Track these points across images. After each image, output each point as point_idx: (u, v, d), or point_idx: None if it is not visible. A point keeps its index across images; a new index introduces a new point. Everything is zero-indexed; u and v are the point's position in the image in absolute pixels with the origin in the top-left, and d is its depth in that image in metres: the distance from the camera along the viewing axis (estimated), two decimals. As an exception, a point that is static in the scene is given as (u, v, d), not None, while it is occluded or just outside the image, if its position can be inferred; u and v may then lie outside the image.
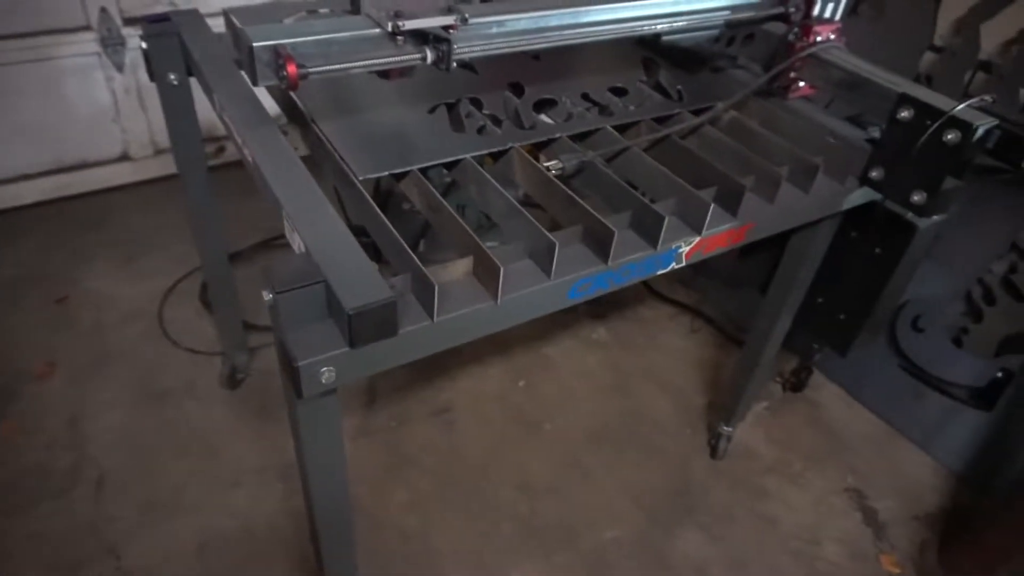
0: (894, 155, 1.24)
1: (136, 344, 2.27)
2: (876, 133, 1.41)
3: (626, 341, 2.51)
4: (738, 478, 2.08)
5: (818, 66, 1.39)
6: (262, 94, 1.22)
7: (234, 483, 1.90)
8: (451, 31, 1.07)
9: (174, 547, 1.74)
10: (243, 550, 1.76)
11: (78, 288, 2.45)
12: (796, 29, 1.40)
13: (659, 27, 1.32)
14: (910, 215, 1.32)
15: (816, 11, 1.41)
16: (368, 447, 2.04)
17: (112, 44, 2.65)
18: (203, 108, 1.48)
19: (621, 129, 1.36)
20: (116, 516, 1.79)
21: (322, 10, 1.44)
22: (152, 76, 1.45)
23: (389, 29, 1.05)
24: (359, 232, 1.01)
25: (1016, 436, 1.96)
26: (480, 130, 1.30)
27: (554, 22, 1.20)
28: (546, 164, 1.20)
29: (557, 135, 1.30)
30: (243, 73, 1.21)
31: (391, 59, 1.07)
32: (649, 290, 2.71)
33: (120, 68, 2.71)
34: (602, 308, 2.60)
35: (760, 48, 1.50)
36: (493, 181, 1.14)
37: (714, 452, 2.12)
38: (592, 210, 1.07)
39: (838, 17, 1.43)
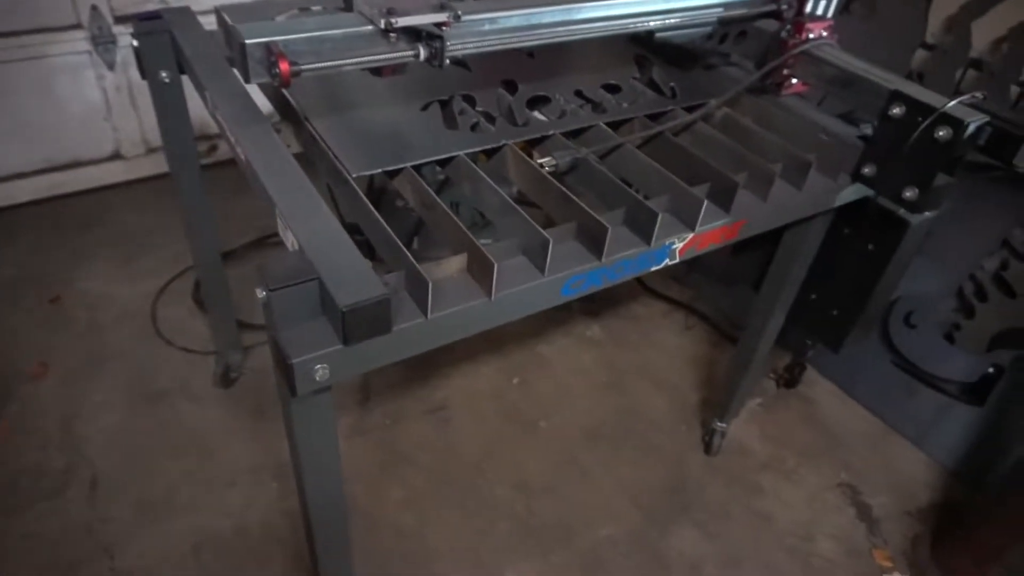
0: (886, 152, 1.25)
1: (130, 344, 2.26)
2: (868, 130, 1.42)
3: (620, 338, 2.51)
4: (733, 475, 2.09)
5: (811, 63, 1.40)
6: (254, 92, 1.22)
7: (229, 482, 1.90)
8: (444, 28, 1.07)
9: (169, 547, 1.74)
10: (238, 550, 1.75)
11: (71, 288, 2.44)
12: (789, 26, 1.40)
13: (652, 24, 1.32)
14: (902, 211, 1.32)
15: (809, 8, 1.42)
16: (363, 445, 2.04)
17: (103, 42, 2.64)
18: (195, 106, 1.47)
19: (614, 126, 1.36)
20: (111, 516, 1.79)
21: (314, 7, 1.44)
22: (144, 74, 1.44)
23: (382, 26, 1.05)
24: (353, 230, 1.00)
25: (1007, 431, 1.97)
26: (473, 127, 1.30)
27: (547, 19, 1.20)
28: (540, 161, 1.20)
29: (550, 132, 1.30)
30: (235, 71, 1.20)
31: (384, 56, 1.06)
32: (643, 287, 2.72)
33: (111, 66, 2.70)
34: (596, 305, 2.61)
35: (753, 45, 1.51)
36: (487, 178, 1.14)
37: (708, 448, 2.12)
38: (586, 207, 1.07)
39: (830, 14, 1.44)
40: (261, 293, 0.86)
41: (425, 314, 0.93)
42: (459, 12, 1.08)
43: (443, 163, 1.23)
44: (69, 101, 2.69)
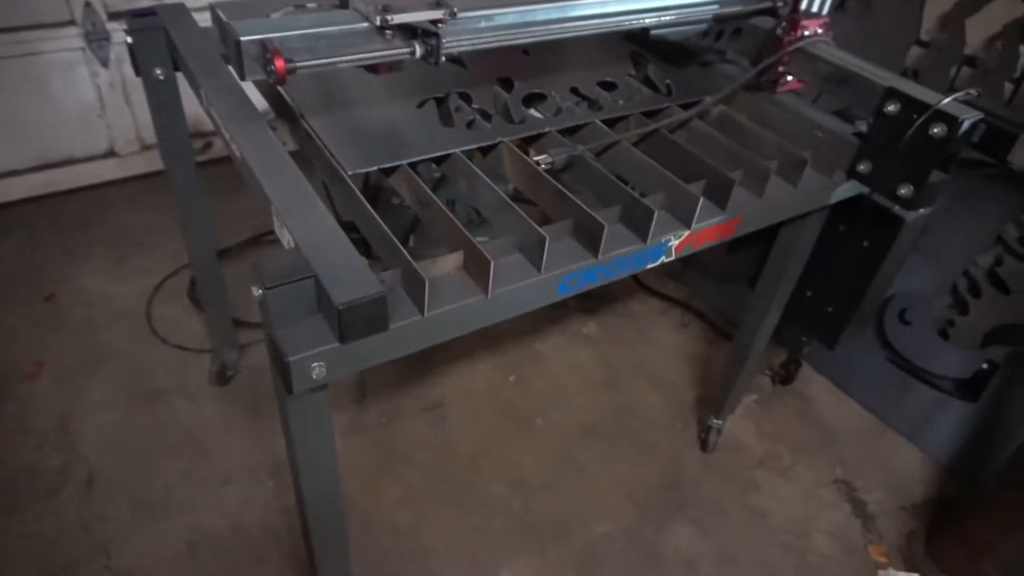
0: (881, 149, 1.25)
1: (125, 342, 2.26)
2: (863, 127, 1.42)
3: (616, 336, 2.51)
4: (729, 472, 2.09)
5: (806, 60, 1.40)
6: (249, 88, 1.22)
7: (225, 481, 1.89)
8: (440, 25, 1.07)
9: (166, 546, 1.74)
10: (235, 548, 1.75)
11: (65, 286, 2.43)
12: (784, 23, 1.41)
13: (647, 21, 1.32)
14: (897, 208, 1.33)
15: (804, 6, 1.42)
16: (359, 444, 2.04)
17: (97, 39, 2.63)
18: (189, 103, 1.46)
19: (610, 123, 1.37)
20: (107, 516, 1.78)
21: (309, 4, 1.43)
22: (138, 71, 1.44)
23: (377, 23, 1.04)
24: (348, 227, 1.00)
25: (1001, 427, 1.98)
26: (469, 124, 1.30)
27: (543, 16, 1.20)
28: (535, 158, 1.20)
29: (546, 129, 1.30)
30: (230, 68, 1.20)
31: (380, 53, 1.06)
32: (639, 285, 2.72)
33: (105, 63, 2.69)
34: (592, 303, 2.61)
35: (748, 42, 1.51)
36: (483, 176, 1.14)
37: (704, 445, 2.13)
38: (582, 204, 1.07)
39: (825, 12, 1.44)
40: (257, 291, 0.86)
41: (422, 312, 0.93)
42: (455, 9, 1.08)
43: (439, 161, 1.23)
44: (63, 98, 2.68)
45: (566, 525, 1.90)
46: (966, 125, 1.15)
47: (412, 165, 1.17)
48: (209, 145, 3.02)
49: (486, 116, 1.32)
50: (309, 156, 1.24)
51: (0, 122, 2.61)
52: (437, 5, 1.07)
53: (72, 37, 2.59)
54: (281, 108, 1.31)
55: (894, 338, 2.13)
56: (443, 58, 1.07)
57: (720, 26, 1.45)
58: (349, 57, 1.04)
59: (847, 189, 1.35)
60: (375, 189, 2.06)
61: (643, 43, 1.56)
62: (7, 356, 2.16)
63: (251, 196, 1.08)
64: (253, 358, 2.22)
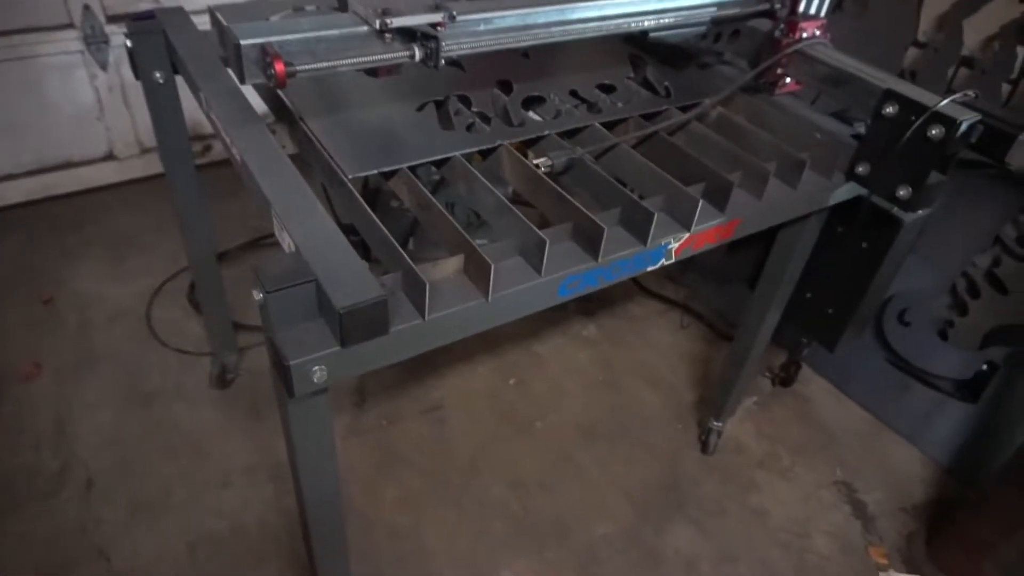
0: (879, 150, 1.25)
1: (124, 345, 2.26)
2: (861, 129, 1.43)
3: (616, 338, 2.51)
4: (728, 473, 2.09)
5: (804, 62, 1.40)
6: (249, 91, 1.22)
7: (224, 483, 1.89)
8: (439, 28, 1.07)
9: (164, 548, 1.74)
10: (234, 550, 1.75)
11: (64, 288, 2.43)
12: (782, 25, 1.41)
13: (646, 24, 1.32)
14: (895, 210, 1.33)
15: (802, 7, 1.42)
16: (359, 446, 2.04)
17: (95, 42, 2.63)
18: (189, 106, 1.47)
19: (609, 126, 1.37)
20: (105, 518, 1.78)
21: (308, 7, 1.44)
22: (137, 74, 1.44)
23: (377, 27, 1.05)
24: (348, 230, 1.00)
25: (1001, 428, 1.99)
26: (469, 127, 1.30)
27: (542, 19, 1.20)
28: (535, 161, 1.20)
29: (546, 132, 1.30)
30: (230, 71, 1.20)
31: (379, 57, 1.06)
32: (638, 286, 2.72)
33: (104, 66, 2.69)
34: (592, 305, 2.61)
35: (746, 44, 1.51)
36: (482, 178, 1.14)
37: (705, 447, 2.13)
38: (582, 207, 1.07)
39: (823, 13, 1.44)
40: (258, 295, 0.86)
41: (423, 315, 0.93)
42: (454, 12, 1.08)
43: (438, 164, 1.23)
44: (61, 101, 2.68)
45: (566, 526, 1.90)
46: (964, 127, 1.16)
47: (412, 168, 1.17)
48: (208, 148, 3.02)
49: (485, 119, 1.32)
50: (308, 159, 1.24)
51: (-1, 125, 2.61)
52: (436, 8, 1.07)
53: (71, 40, 2.59)
54: (280, 111, 1.31)
55: (893, 339, 2.13)
56: (442, 61, 1.07)
57: (718, 28, 1.45)
58: (349, 60, 1.04)
59: (846, 191, 1.35)
60: (374, 192, 2.06)
61: (642, 45, 1.57)
62: (5, 358, 2.16)
63: (250, 199, 1.08)
64: (252, 361, 2.22)
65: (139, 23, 1.39)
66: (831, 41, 1.42)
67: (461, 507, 1.92)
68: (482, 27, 1.15)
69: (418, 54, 1.07)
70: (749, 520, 1.98)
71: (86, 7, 2.56)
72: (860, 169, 1.29)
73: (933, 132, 1.17)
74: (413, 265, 0.92)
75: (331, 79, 1.34)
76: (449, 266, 1.00)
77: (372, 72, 1.11)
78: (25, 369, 2.13)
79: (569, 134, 1.34)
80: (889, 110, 1.22)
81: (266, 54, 0.99)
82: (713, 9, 1.39)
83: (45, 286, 2.43)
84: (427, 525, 1.86)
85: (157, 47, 1.40)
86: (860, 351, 2.23)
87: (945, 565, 1.87)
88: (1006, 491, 1.80)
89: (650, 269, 1.16)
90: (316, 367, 0.87)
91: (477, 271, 0.98)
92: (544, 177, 1.16)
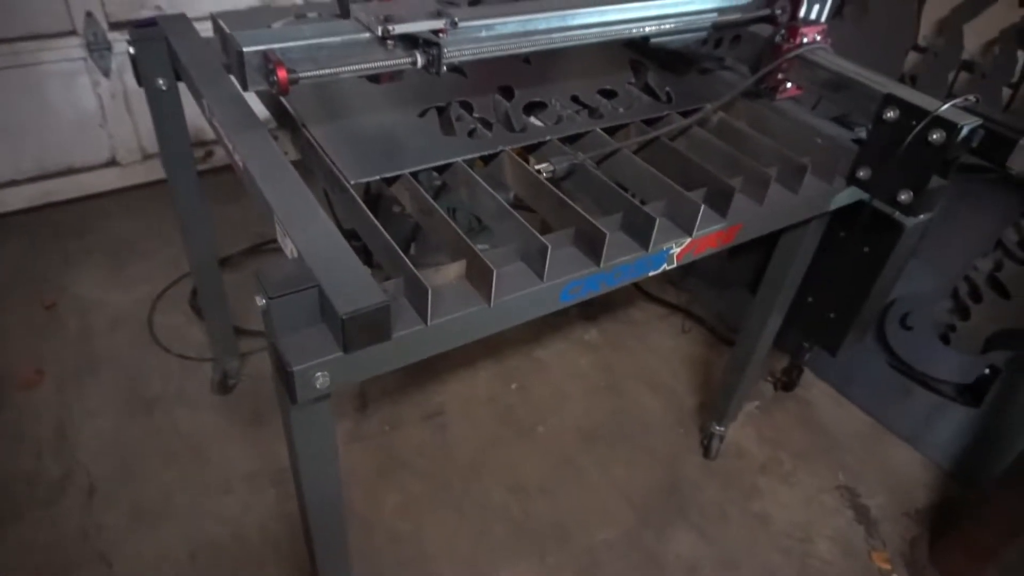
0: (880, 155, 1.26)
1: (125, 350, 2.26)
2: (862, 133, 1.43)
3: (618, 342, 2.51)
4: (730, 477, 2.09)
5: (804, 67, 1.41)
6: (251, 98, 1.22)
7: (226, 489, 1.89)
8: (441, 35, 1.07)
9: (166, 554, 1.73)
10: (235, 556, 1.75)
11: (66, 294, 2.44)
12: (783, 31, 1.41)
13: (647, 30, 1.32)
14: (897, 214, 1.33)
15: (802, 13, 1.43)
16: (361, 451, 2.03)
17: (98, 49, 2.64)
18: (191, 112, 1.47)
19: (611, 131, 1.37)
20: (107, 523, 1.78)
21: (310, 14, 1.44)
22: (140, 81, 1.44)
23: (379, 33, 1.05)
24: (350, 236, 1.01)
25: (1003, 432, 1.98)
26: (470, 133, 1.31)
27: (543, 25, 1.21)
28: (536, 167, 1.21)
29: (547, 138, 1.31)
30: (232, 78, 1.21)
31: (381, 63, 1.07)
32: (640, 291, 2.72)
33: (106, 73, 2.70)
34: (593, 310, 2.61)
35: (747, 50, 1.52)
36: (484, 184, 1.15)
37: (707, 452, 2.13)
38: (583, 212, 1.08)
39: (824, 19, 1.45)
40: (261, 301, 0.86)
41: (425, 321, 0.93)
42: (456, 19, 1.09)
43: (440, 169, 1.23)
44: (64, 108, 2.69)
45: (566, 530, 1.90)
46: (965, 131, 1.16)
47: (414, 174, 1.17)
48: (210, 154, 3.02)
49: (487, 125, 1.33)
50: (311, 165, 1.24)
51: (1, 131, 2.61)
52: (438, 15, 1.08)
53: (74, 47, 2.60)
54: (283, 117, 1.32)
55: (895, 343, 2.13)
56: (444, 68, 1.08)
57: (719, 34, 1.46)
58: (351, 67, 1.05)
59: (847, 195, 1.35)
60: (376, 197, 2.06)
61: (643, 51, 1.57)
62: (7, 364, 2.16)
63: (252, 204, 1.08)
64: (254, 366, 2.22)
65: (142, 30, 1.40)
66: (832, 46, 1.42)
67: (462, 511, 1.92)
68: (484, 33, 1.15)
69: (420, 60, 1.08)
70: (751, 525, 1.97)
71: (89, 14, 2.57)
72: (861, 174, 1.30)
73: (934, 137, 1.17)
74: (415, 271, 0.93)
75: (333, 86, 1.35)
76: (451, 272, 1.01)
77: (374, 79, 1.12)
78: (27, 375, 2.14)
79: (571, 139, 1.34)
80: (890, 115, 1.22)
81: (268, 61, 0.99)
82: (714, 15, 1.40)
83: (47, 292, 2.43)
84: (428, 529, 1.86)
85: (160, 54, 1.41)
86: (862, 355, 2.23)
87: (948, 569, 1.87)
88: (1008, 495, 1.80)
89: (652, 274, 1.16)
90: (319, 373, 0.87)
91: (479, 276, 0.98)
92: (546, 182, 1.16)
